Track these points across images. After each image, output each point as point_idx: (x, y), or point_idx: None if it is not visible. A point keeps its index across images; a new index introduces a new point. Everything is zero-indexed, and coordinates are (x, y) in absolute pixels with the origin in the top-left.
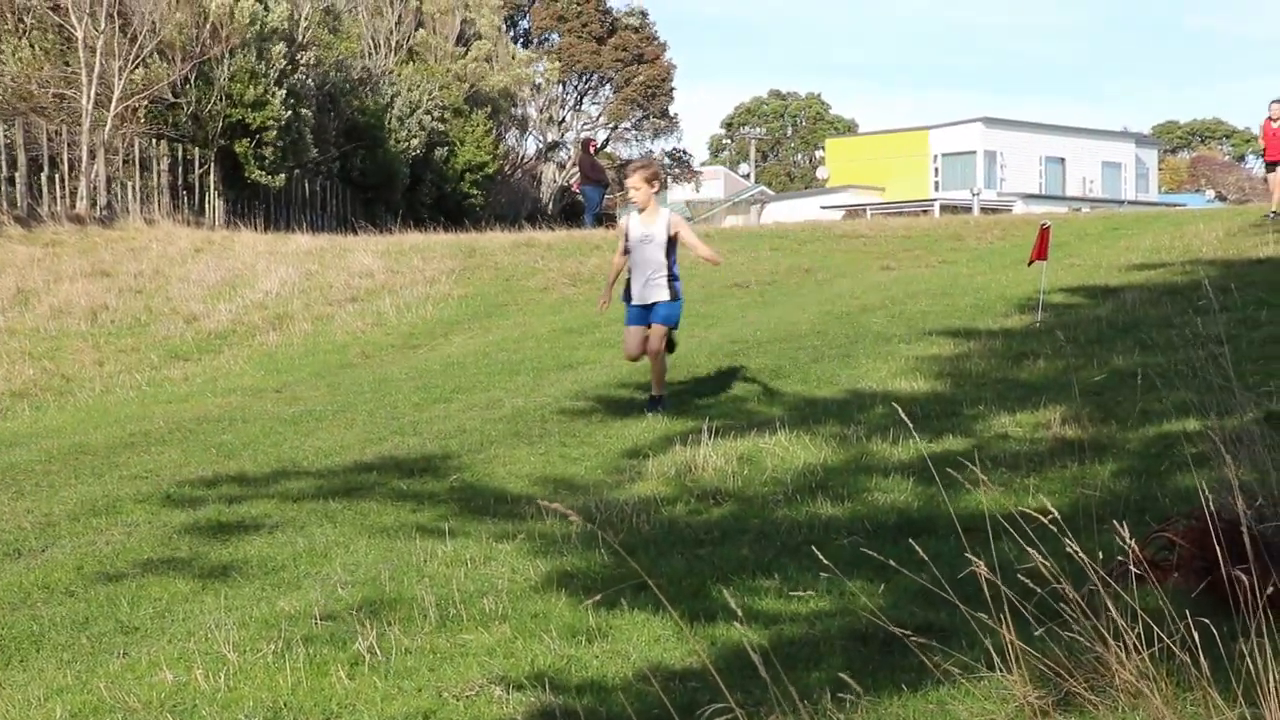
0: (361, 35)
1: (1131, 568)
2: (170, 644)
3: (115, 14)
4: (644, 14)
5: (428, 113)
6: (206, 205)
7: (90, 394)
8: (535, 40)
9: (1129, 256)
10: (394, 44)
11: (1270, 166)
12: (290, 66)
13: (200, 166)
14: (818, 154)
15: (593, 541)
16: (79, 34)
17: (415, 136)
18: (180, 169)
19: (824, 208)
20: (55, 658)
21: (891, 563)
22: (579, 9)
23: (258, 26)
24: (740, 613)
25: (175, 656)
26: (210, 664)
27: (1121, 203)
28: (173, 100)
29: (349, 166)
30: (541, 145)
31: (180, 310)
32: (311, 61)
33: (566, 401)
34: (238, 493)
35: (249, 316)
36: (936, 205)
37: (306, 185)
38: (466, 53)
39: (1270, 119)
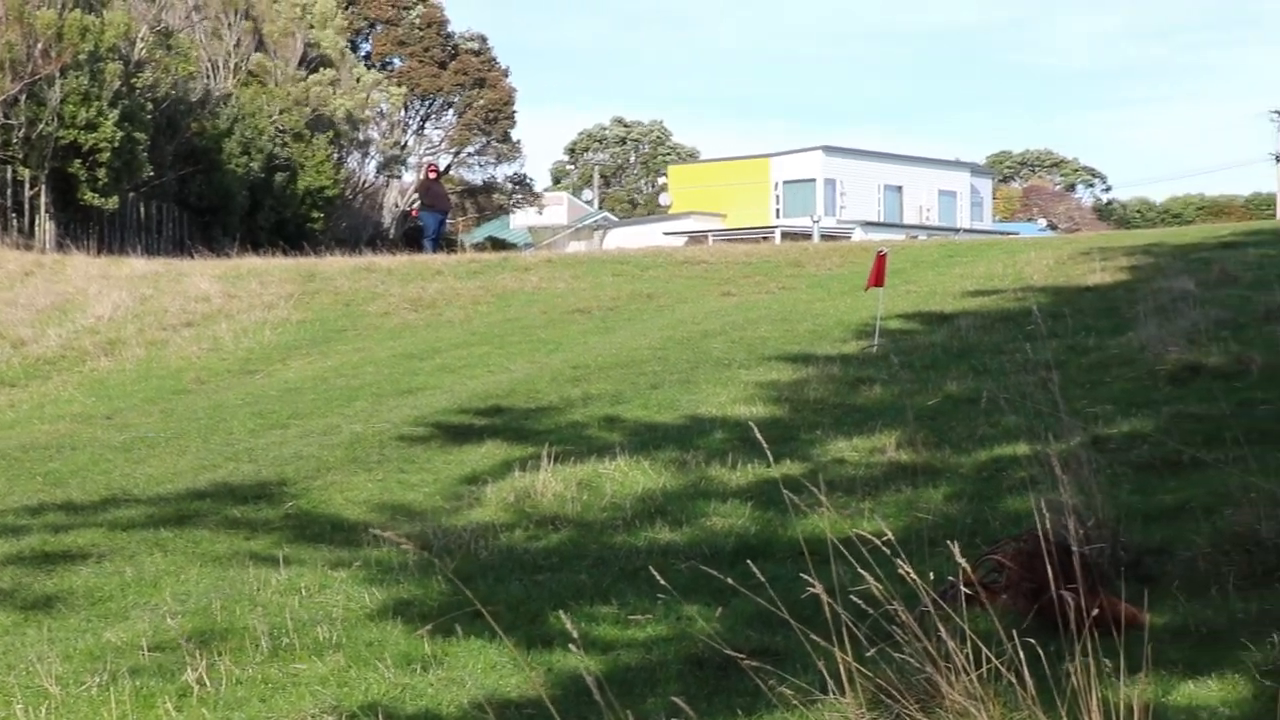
0: (200, 57)
1: (962, 589)
2: None
3: None
4: (484, 38)
5: (270, 138)
6: (37, 227)
7: None
8: (377, 64)
9: (963, 283)
10: (233, 66)
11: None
12: (125, 88)
13: (31, 188)
14: (660, 180)
15: (429, 569)
16: None
17: (255, 160)
18: (9, 190)
19: (666, 234)
20: None
21: (729, 581)
22: (420, 34)
23: (91, 44)
24: (578, 638)
25: None
26: (31, 698)
27: (957, 230)
28: (3, 121)
29: (186, 189)
30: (383, 170)
31: (7, 335)
32: (148, 82)
33: (405, 427)
34: (64, 521)
35: (80, 342)
36: (778, 232)
37: (142, 208)
38: (309, 75)
39: None
